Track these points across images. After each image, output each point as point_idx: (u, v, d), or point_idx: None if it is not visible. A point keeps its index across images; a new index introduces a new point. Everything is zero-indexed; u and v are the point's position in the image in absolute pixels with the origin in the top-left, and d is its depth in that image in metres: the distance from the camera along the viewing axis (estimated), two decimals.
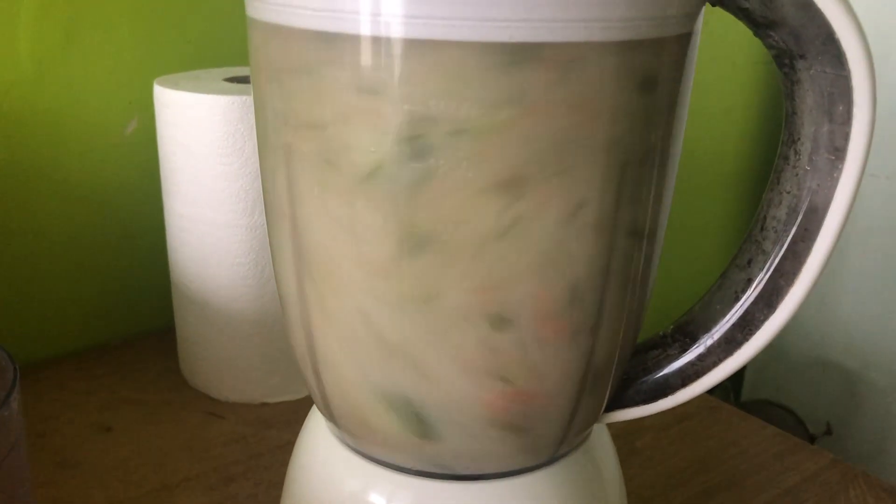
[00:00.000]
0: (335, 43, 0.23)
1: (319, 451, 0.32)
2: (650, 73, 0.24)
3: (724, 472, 0.51)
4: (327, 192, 0.25)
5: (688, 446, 0.53)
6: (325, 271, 0.27)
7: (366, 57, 0.23)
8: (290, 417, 0.53)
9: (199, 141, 0.50)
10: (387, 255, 0.25)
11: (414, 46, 0.22)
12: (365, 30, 0.23)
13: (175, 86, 0.51)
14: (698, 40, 0.26)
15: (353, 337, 0.27)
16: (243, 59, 0.62)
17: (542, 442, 0.29)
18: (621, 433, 0.51)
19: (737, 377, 1.01)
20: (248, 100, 0.49)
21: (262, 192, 0.49)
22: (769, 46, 0.26)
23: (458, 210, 0.24)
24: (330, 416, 0.30)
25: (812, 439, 0.93)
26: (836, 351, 0.93)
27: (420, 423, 0.28)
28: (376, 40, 0.23)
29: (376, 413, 0.28)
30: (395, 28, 0.22)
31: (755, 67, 0.96)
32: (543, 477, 0.30)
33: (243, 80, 0.54)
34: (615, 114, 0.24)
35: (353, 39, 0.23)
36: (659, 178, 0.26)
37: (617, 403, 0.31)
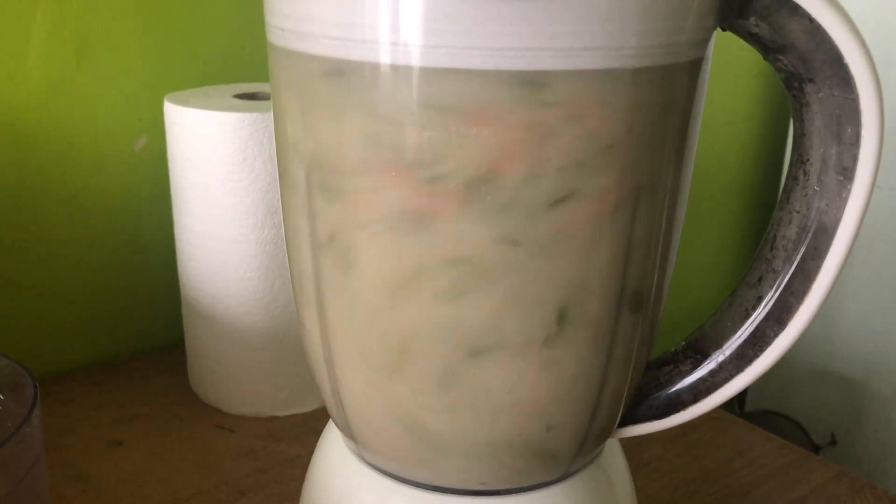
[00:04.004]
0: (353, 70, 0.24)
1: (335, 466, 0.33)
2: (663, 99, 0.25)
3: (732, 484, 0.51)
4: (345, 213, 0.26)
5: (695, 458, 0.53)
6: (345, 292, 0.27)
7: (384, 84, 0.23)
8: (300, 431, 0.54)
9: (209, 157, 0.50)
10: (408, 279, 0.26)
11: (432, 75, 0.23)
12: (384, 58, 0.23)
13: (185, 102, 0.51)
14: (709, 65, 0.26)
15: (372, 357, 0.28)
16: (253, 76, 0.63)
17: (557, 458, 0.30)
18: (629, 445, 0.51)
19: None
20: (257, 117, 0.49)
21: (272, 207, 0.50)
22: (779, 70, 0.26)
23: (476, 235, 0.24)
24: (348, 432, 0.31)
25: (816, 449, 0.93)
26: (839, 361, 0.93)
27: (435, 445, 0.28)
28: (395, 68, 0.23)
29: (394, 431, 0.29)
30: (414, 57, 0.23)
31: (757, 79, 0.97)
32: (558, 492, 0.30)
33: (253, 96, 0.55)
34: (628, 138, 0.24)
35: (372, 67, 0.24)
36: (671, 200, 0.27)
37: (630, 419, 0.32)
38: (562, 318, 0.26)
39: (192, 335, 0.56)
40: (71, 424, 0.54)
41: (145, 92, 0.59)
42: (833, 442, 0.93)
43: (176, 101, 0.52)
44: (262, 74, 0.63)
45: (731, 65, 0.93)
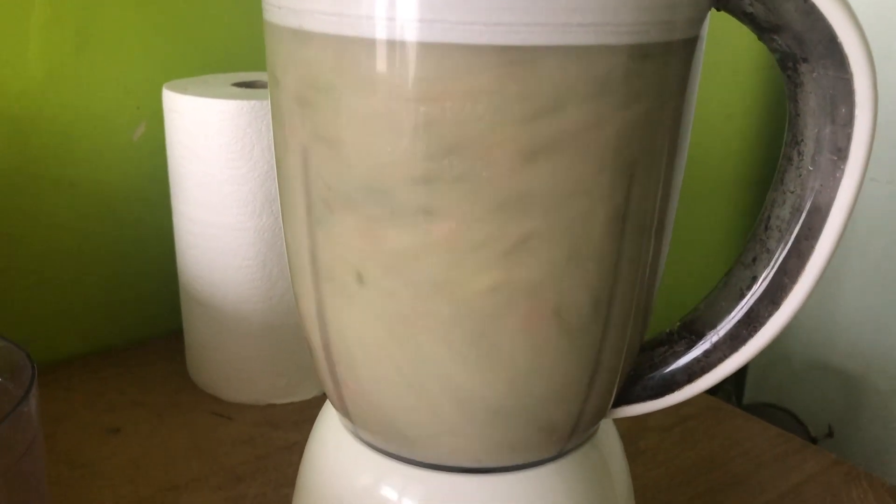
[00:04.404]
0: (350, 46, 0.24)
1: (332, 445, 0.33)
2: (658, 77, 0.25)
3: (728, 473, 0.51)
4: (344, 193, 0.26)
5: (691, 447, 0.54)
6: (341, 266, 0.27)
7: (381, 60, 0.24)
8: (297, 418, 0.54)
9: (208, 145, 0.50)
10: (405, 248, 0.26)
11: (428, 49, 0.23)
12: (381, 34, 0.23)
13: (184, 90, 0.51)
14: (704, 45, 0.26)
15: (369, 329, 0.28)
16: (251, 64, 0.63)
17: (552, 436, 0.30)
18: (625, 434, 0.51)
19: (739, 380, 1.02)
20: (256, 104, 0.49)
21: (270, 195, 0.51)
22: (773, 50, 0.27)
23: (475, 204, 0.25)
24: (344, 410, 0.31)
25: (814, 442, 0.93)
26: (837, 354, 0.93)
27: (430, 419, 0.29)
28: (391, 44, 0.23)
29: (393, 406, 0.29)
30: (410, 32, 0.23)
31: (756, 73, 0.97)
32: (553, 471, 0.31)
33: (251, 84, 0.55)
34: (624, 115, 0.24)
35: (369, 43, 0.24)
36: (666, 177, 0.27)
37: (624, 399, 0.32)
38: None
39: (190, 323, 0.56)
40: (68, 412, 0.54)
41: (144, 81, 0.59)
42: (830, 434, 0.93)
43: (174, 89, 0.52)
44: (261, 63, 0.63)
45: (731, 58, 0.93)
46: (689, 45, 0.25)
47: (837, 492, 0.49)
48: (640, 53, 0.24)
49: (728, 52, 0.91)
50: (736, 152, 1.01)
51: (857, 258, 0.91)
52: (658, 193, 0.27)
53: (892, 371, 0.89)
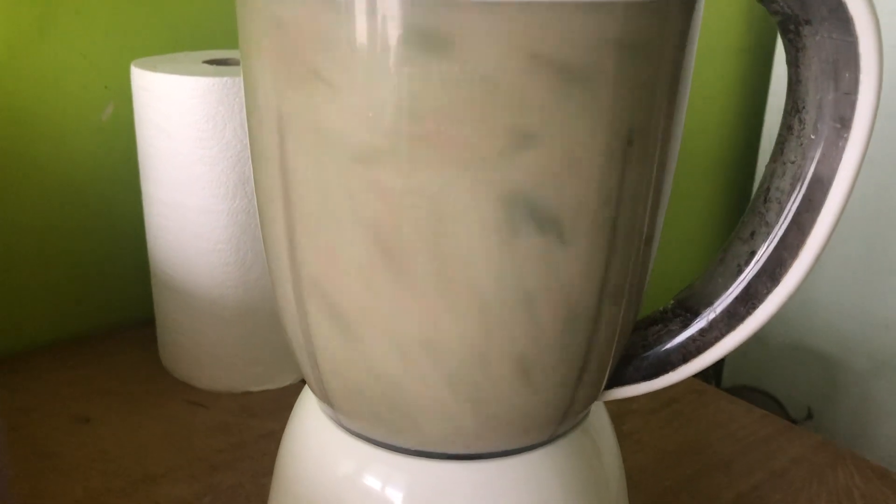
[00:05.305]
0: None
1: (311, 433, 0.31)
2: (656, 35, 0.23)
3: (713, 455, 0.50)
4: (323, 157, 0.25)
5: (676, 430, 0.53)
6: (319, 244, 0.26)
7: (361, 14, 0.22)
8: (274, 406, 0.53)
9: (179, 124, 0.49)
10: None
11: (409, 6, 0.22)
12: None
13: (154, 68, 0.50)
14: (702, 7, 0.25)
15: (350, 312, 0.26)
16: (222, 42, 0.61)
17: (542, 420, 0.29)
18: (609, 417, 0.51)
19: (717, 363, 1.01)
20: (228, 81, 0.48)
21: (243, 176, 0.49)
22: (774, 13, 0.25)
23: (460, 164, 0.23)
24: (324, 396, 0.30)
25: (794, 423, 0.93)
26: (815, 336, 0.93)
27: (418, 400, 0.27)
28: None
29: (374, 389, 0.27)
30: None
31: (736, 56, 0.97)
32: (543, 456, 0.29)
33: (223, 62, 0.53)
34: (619, 76, 0.23)
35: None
36: (662, 149, 0.26)
37: (617, 381, 0.31)
38: None
39: (162, 309, 0.55)
40: (36, 402, 0.52)
41: (112, 59, 0.57)
42: (810, 416, 0.93)
43: (144, 67, 0.50)
44: (233, 41, 0.62)
45: (709, 41, 0.93)
46: (687, 5, 0.24)
47: (824, 473, 0.49)
48: (637, 10, 0.22)
49: (705, 34, 0.91)
50: (714, 133, 1.00)
51: (835, 240, 0.90)
52: (654, 163, 0.25)
53: (869, 352, 0.90)
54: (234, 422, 0.51)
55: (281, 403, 0.53)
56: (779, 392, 0.96)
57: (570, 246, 0.25)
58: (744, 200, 1.04)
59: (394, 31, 0.22)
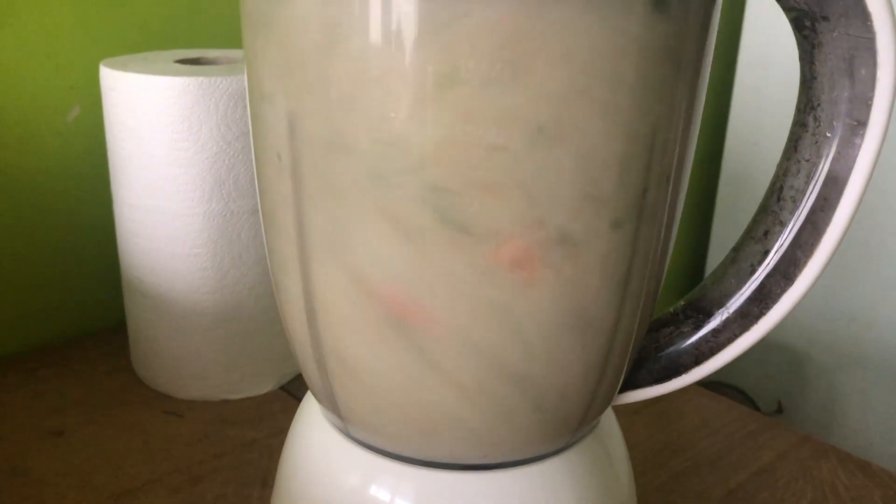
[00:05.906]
0: None
1: (315, 444, 0.30)
2: (677, 39, 0.23)
3: (700, 453, 0.50)
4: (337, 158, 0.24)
5: (661, 428, 0.53)
6: (332, 255, 0.25)
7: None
8: (254, 414, 0.51)
9: (152, 125, 0.47)
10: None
11: None
12: None
13: (125, 67, 0.48)
14: (719, 10, 0.25)
15: (362, 320, 0.25)
16: (194, 41, 0.59)
17: (557, 430, 0.28)
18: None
19: None
20: (203, 81, 0.46)
21: (219, 178, 0.47)
22: (789, 9, 0.25)
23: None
24: (334, 408, 0.29)
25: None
26: (782, 332, 0.94)
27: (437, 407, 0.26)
28: None
29: (387, 400, 0.26)
30: None
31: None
32: (557, 464, 0.29)
33: (195, 61, 0.52)
34: (643, 75, 0.23)
35: None
36: (682, 149, 0.25)
37: (629, 384, 0.30)
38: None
39: (134, 316, 0.53)
40: (5, 415, 0.50)
41: (78, 59, 0.56)
42: (780, 410, 0.94)
43: (114, 67, 0.48)
44: (205, 40, 0.60)
45: None
46: (707, 7, 0.24)
47: (809, 468, 0.49)
48: (660, 15, 0.22)
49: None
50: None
51: None
52: (674, 162, 0.25)
53: (836, 347, 0.91)
54: (213, 431, 0.49)
55: (261, 411, 0.52)
56: (748, 387, 0.97)
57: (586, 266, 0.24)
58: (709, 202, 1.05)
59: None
